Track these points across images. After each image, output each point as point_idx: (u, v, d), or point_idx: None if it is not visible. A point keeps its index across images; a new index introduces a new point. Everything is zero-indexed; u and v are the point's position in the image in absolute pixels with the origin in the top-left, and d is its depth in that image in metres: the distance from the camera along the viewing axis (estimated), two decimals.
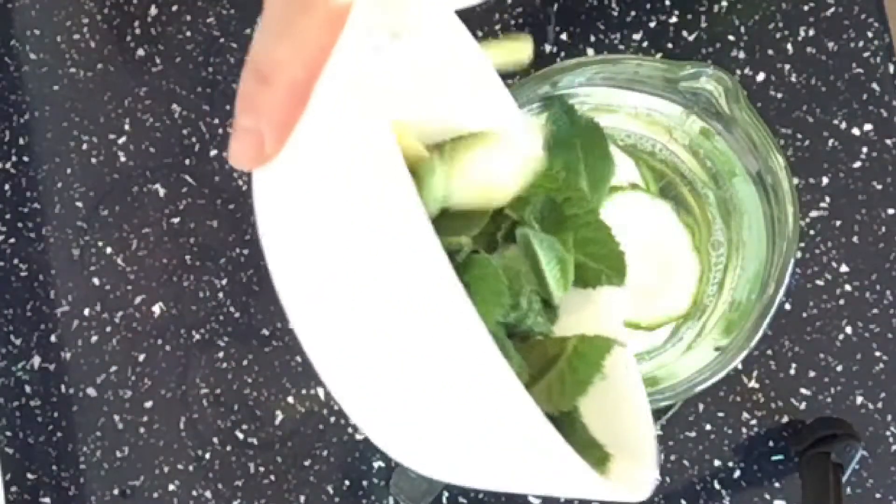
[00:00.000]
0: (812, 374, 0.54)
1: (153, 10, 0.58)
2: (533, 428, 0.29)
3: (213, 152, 0.57)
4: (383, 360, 0.30)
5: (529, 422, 0.29)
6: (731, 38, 0.56)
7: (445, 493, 0.54)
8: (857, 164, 0.55)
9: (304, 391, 0.55)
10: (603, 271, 0.41)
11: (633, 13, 0.56)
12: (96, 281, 0.56)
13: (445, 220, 0.37)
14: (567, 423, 0.36)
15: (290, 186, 0.31)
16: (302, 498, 0.54)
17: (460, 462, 0.32)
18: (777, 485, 0.54)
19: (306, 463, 0.55)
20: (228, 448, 0.55)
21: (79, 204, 0.57)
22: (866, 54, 0.56)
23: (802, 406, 0.54)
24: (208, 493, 0.55)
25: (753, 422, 0.54)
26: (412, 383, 0.30)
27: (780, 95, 0.56)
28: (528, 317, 0.38)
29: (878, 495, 0.54)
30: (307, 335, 0.32)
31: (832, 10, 0.56)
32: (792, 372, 0.54)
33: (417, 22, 0.35)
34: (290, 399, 0.55)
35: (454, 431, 0.30)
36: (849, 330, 0.55)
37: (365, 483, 0.54)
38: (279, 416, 0.55)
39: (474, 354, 0.28)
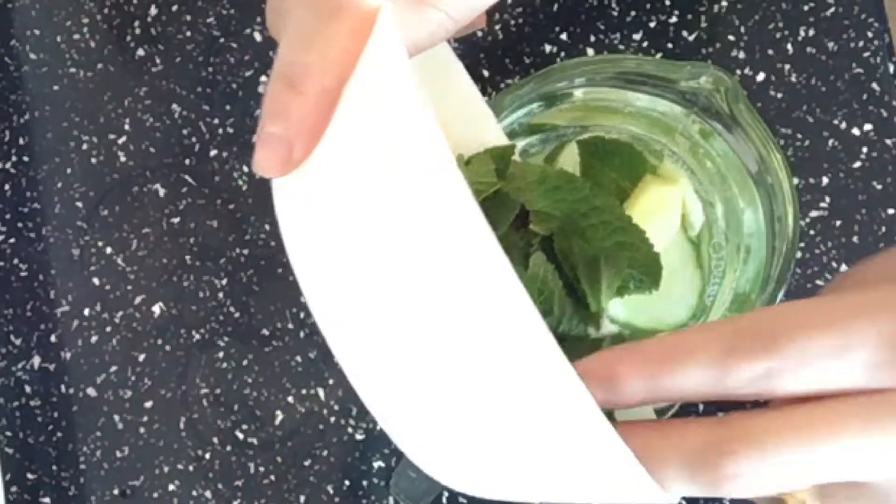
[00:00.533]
0: None
1: (153, 10, 0.58)
2: (598, 434, 0.28)
3: (213, 152, 0.57)
4: (435, 370, 0.29)
5: (592, 426, 0.28)
6: (731, 38, 0.56)
7: (445, 493, 0.54)
8: (857, 164, 0.55)
9: (304, 391, 0.55)
10: (633, 276, 0.40)
11: (633, 13, 0.56)
12: (96, 281, 0.56)
13: None
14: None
15: (322, 193, 0.31)
16: (302, 498, 0.54)
17: (516, 476, 0.31)
18: None
19: (306, 463, 0.55)
20: (228, 448, 0.55)
21: (79, 204, 0.57)
22: (866, 54, 0.56)
23: None
24: (208, 493, 0.55)
25: None
26: (468, 394, 0.29)
27: (780, 95, 0.56)
28: (562, 322, 0.37)
29: None
30: (346, 350, 0.31)
31: (832, 10, 0.56)
32: None
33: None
34: (290, 399, 0.55)
35: (511, 444, 0.29)
36: None
37: (365, 483, 0.54)
38: (279, 416, 0.55)
39: (535, 356, 0.28)
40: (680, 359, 0.29)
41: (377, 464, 0.54)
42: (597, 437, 0.28)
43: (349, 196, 0.30)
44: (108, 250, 0.57)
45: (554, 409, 0.28)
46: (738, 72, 0.56)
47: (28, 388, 0.56)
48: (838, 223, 0.55)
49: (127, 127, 0.57)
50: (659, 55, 0.56)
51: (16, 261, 0.57)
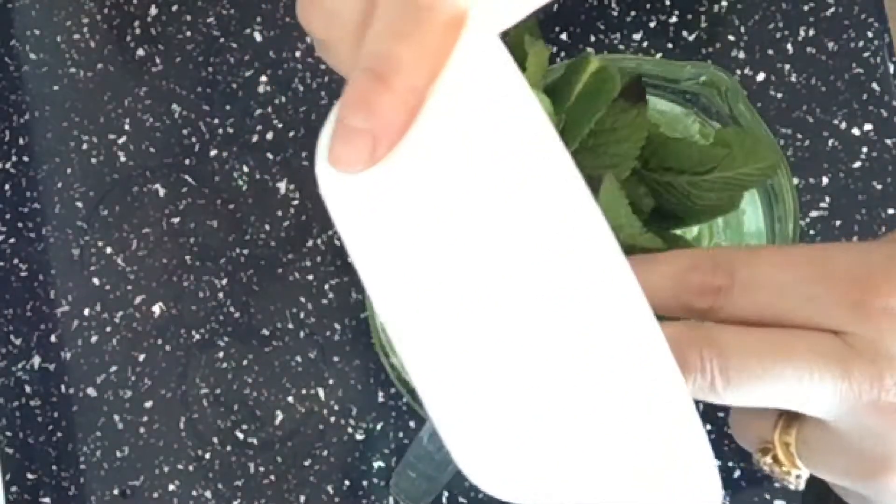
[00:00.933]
0: None
1: (153, 10, 0.58)
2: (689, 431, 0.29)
3: (213, 152, 0.57)
4: (533, 367, 0.29)
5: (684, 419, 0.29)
6: (731, 38, 0.56)
7: (445, 493, 0.54)
8: (857, 164, 0.55)
9: (304, 391, 0.55)
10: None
11: (633, 13, 0.56)
12: (96, 281, 0.56)
13: None
14: None
15: (408, 190, 0.30)
16: (302, 498, 0.54)
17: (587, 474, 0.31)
18: (777, 485, 0.54)
19: (306, 463, 0.55)
20: (228, 448, 0.55)
21: (79, 204, 0.57)
22: (866, 54, 0.56)
23: None
24: (208, 493, 0.55)
25: None
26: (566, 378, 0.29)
27: (780, 95, 0.56)
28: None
29: None
30: (426, 351, 0.30)
31: (832, 10, 0.56)
32: None
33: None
34: (290, 399, 0.55)
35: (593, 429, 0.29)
36: None
37: (365, 483, 0.54)
38: (279, 416, 0.55)
39: (641, 347, 0.28)
40: (648, 267, 0.33)
41: (377, 464, 0.54)
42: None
43: (443, 193, 0.29)
44: (108, 250, 0.57)
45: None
46: (738, 72, 0.56)
47: (28, 388, 0.56)
48: (838, 223, 0.55)
49: (127, 127, 0.57)
50: (659, 55, 0.56)
51: (16, 261, 0.57)
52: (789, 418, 0.34)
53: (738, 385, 0.31)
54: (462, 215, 0.29)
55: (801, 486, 0.34)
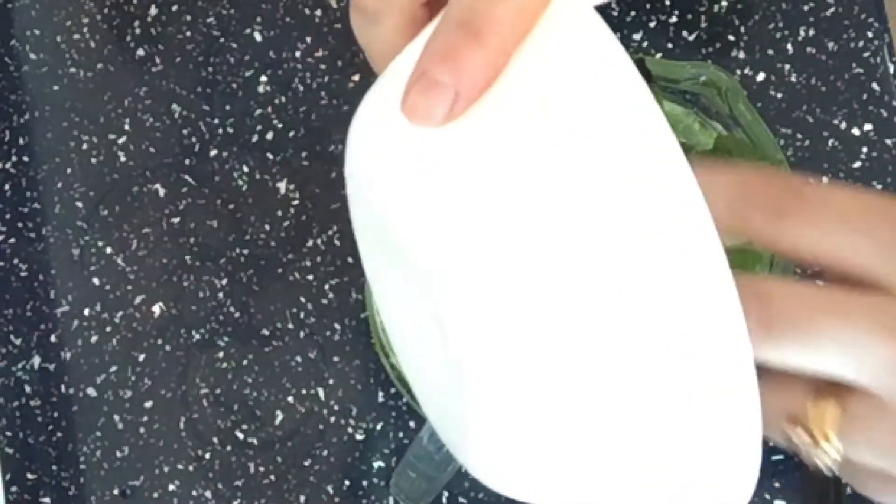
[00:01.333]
0: None
1: (153, 10, 0.58)
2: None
3: (213, 152, 0.57)
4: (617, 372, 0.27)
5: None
6: (731, 38, 0.56)
7: (445, 493, 0.54)
8: (857, 164, 0.55)
9: (304, 391, 0.55)
10: None
11: (633, 13, 0.56)
12: (96, 281, 0.56)
13: None
14: None
15: (477, 154, 0.28)
16: (302, 498, 0.54)
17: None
18: (777, 485, 0.54)
19: (306, 463, 0.55)
20: (228, 448, 0.55)
21: (79, 204, 0.57)
22: (866, 54, 0.56)
23: None
24: (208, 493, 0.55)
25: None
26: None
27: (780, 95, 0.56)
28: None
29: None
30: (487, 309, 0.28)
31: (832, 10, 0.56)
32: None
33: None
34: (290, 399, 0.55)
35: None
36: None
37: (365, 483, 0.54)
38: (279, 416, 0.55)
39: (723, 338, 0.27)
40: (713, 169, 0.30)
41: (377, 464, 0.54)
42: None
43: (524, 157, 0.28)
44: (108, 250, 0.57)
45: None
46: (738, 72, 0.56)
47: (28, 388, 0.56)
48: None
49: (127, 127, 0.57)
50: (659, 55, 0.56)
51: (16, 261, 0.57)
52: (826, 388, 0.31)
53: (779, 335, 0.29)
54: (544, 180, 0.27)
55: (835, 469, 0.31)
